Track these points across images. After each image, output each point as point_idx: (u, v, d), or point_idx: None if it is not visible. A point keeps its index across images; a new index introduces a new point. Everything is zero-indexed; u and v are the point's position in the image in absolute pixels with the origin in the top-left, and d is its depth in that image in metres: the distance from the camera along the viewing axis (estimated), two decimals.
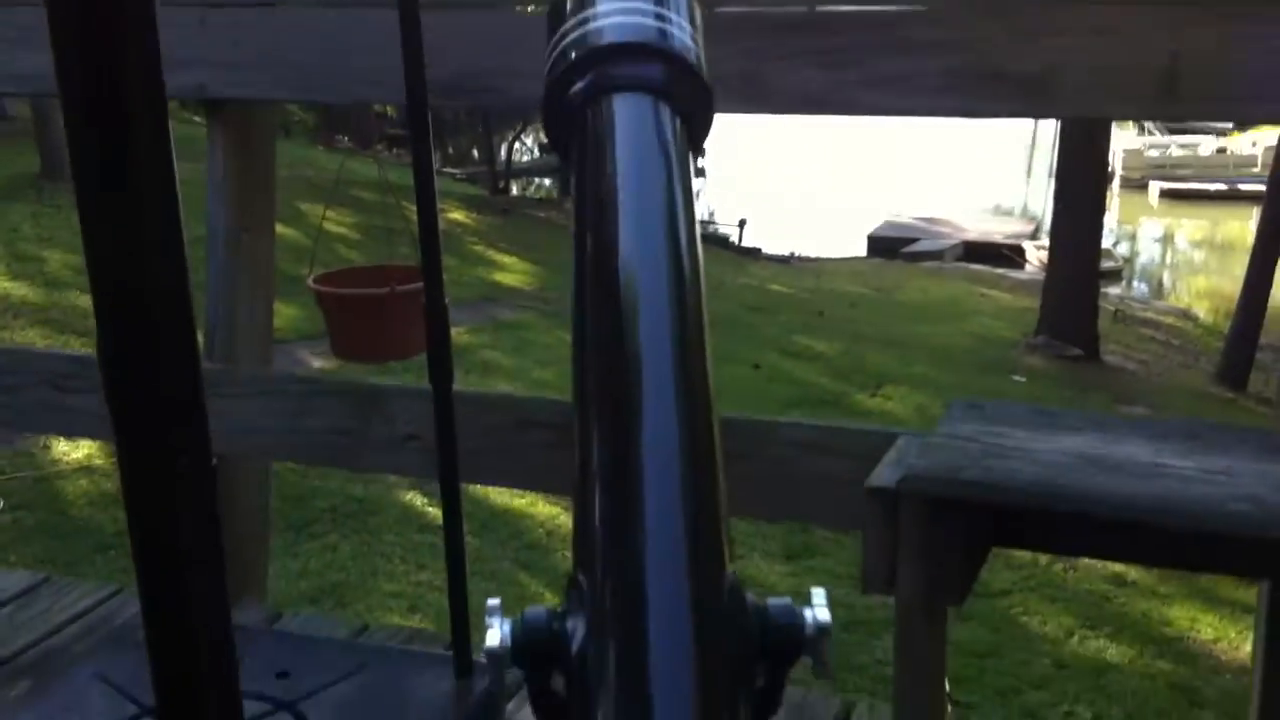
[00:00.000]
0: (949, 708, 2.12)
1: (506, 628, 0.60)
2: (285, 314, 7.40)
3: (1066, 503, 1.64)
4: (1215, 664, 4.43)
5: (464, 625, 1.95)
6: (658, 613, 0.59)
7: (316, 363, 6.83)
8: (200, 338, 2.01)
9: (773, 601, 0.61)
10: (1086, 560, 5.15)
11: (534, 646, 0.60)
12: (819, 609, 0.60)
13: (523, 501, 5.43)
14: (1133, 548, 1.74)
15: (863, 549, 1.74)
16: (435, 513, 2.10)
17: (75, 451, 5.44)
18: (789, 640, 0.59)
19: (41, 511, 4.90)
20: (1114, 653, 4.44)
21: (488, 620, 0.60)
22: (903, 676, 1.81)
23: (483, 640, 0.58)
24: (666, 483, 0.66)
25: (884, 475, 1.78)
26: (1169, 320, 12.94)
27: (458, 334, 7.70)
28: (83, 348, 5.78)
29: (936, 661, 1.80)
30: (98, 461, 5.27)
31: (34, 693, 1.99)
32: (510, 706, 2.11)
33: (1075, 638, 4.53)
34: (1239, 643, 4.52)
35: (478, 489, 5.33)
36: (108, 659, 1.98)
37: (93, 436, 3.60)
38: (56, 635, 2.40)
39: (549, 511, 5.33)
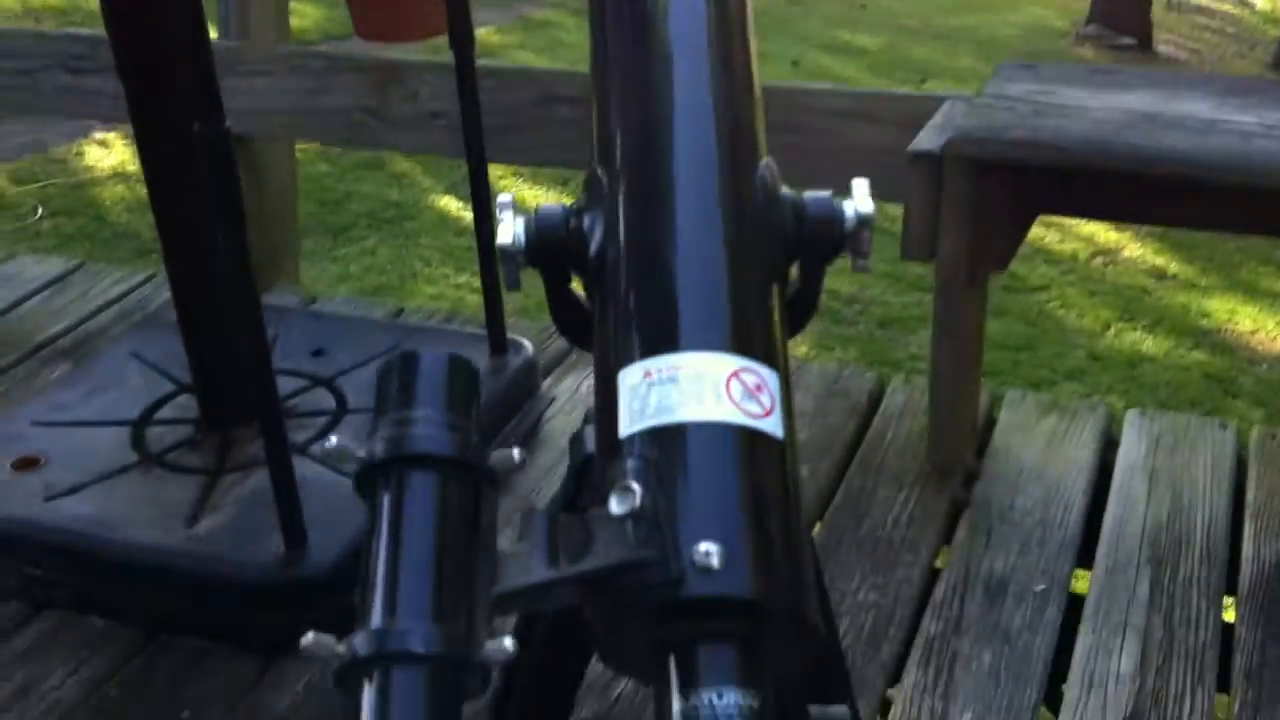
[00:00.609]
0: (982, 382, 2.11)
1: (520, 224, 0.54)
2: (310, 15, 7.19)
3: (1119, 161, 1.55)
4: (1252, 355, 4.42)
5: (498, 301, 1.93)
6: (684, 203, 0.53)
7: None
8: (212, 30, 1.89)
9: (810, 195, 0.56)
10: (1126, 253, 5.09)
11: (549, 244, 0.55)
12: (860, 200, 0.54)
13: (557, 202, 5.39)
14: (1189, 209, 1.67)
15: (904, 216, 1.68)
16: (471, 216, 2.07)
17: (107, 158, 5.40)
18: (828, 234, 0.54)
19: (80, 218, 4.91)
20: (1150, 345, 4.44)
21: (499, 216, 0.55)
22: (940, 344, 1.78)
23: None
24: (696, 77, 0.59)
25: (928, 139, 1.70)
26: (1225, 8, 12.34)
27: (485, 34, 7.46)
28: None
29: (974, 330, 1.76)
30: (131, 169, 5.24)
31: (72, 372, 2.01)
32: (548, 382, 2.12)
33: (1111, 330, 4.53)
34: (1277, 334, 4.50)
35: (509, 189, 5.28)
36: (144, 340, 1.98)
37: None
38: (92, 319, 2.41)
39: None
